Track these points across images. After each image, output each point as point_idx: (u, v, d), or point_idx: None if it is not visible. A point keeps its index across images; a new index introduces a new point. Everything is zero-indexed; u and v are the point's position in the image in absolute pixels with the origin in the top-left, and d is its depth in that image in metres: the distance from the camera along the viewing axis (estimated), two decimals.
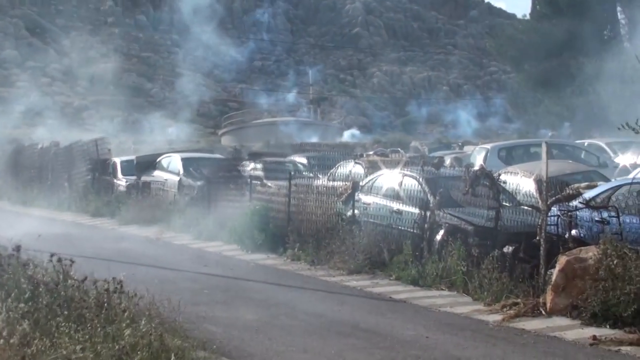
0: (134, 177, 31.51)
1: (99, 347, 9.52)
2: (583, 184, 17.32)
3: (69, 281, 11.92)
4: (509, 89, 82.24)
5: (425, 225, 17.62)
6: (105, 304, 10.99)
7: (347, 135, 75.49)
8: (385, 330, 13.10)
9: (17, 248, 13.39)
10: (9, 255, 13.31)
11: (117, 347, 9.59)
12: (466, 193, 17.46)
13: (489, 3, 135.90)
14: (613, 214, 14.97)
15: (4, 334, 9.84)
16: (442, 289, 16.04)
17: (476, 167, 19.32)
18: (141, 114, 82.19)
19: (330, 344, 12.14)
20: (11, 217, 28.08)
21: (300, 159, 31.95)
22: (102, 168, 33.85)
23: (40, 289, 11.57)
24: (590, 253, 13.74)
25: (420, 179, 18.92)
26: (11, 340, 9.66)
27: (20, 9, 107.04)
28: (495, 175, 17.23)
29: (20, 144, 43.26)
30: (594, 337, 12.30)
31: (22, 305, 10.86)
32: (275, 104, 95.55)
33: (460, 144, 45.67)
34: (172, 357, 9.77)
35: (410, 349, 11.92)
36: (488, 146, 30.31)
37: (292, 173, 24.45)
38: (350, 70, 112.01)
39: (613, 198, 15.68)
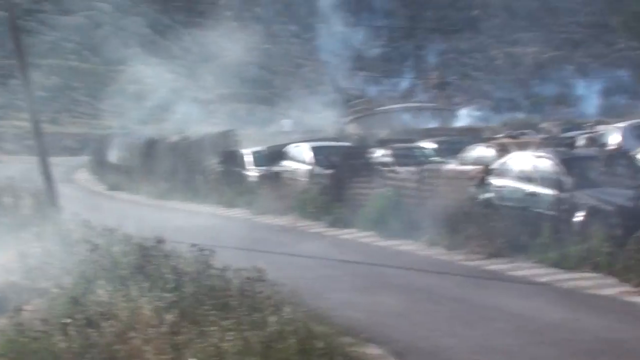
0: (264, 168, 31.72)
1: (246, 334, 9.59)
2: None
3: (211, 271, 12.10)
4: (636, 65, 79.83)
5: (563, 207, 17.22)
6: (248, 292, 11.08)
7: (471, 119, 74.51)
8: (531, 313, 12.84)
9: (159, 240, 13.70)
10: (152, 247, 13.63)
11: (263, 334, 9.63)
12: (603, 173, 17.01)
13: None
14: None
15: (154, 322, 10.03)
16: (585, 271, 15.62)
17: (611, 147, 18.85)
18: (266, 105, 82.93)
19: (476, 328, 11.97)
20: (149, 210, 28.70)
21: (429, 144, 31.69)
22: (232, 159, 34.17)
23: (184, 279, 11.76)
24: None
25: (556, 160, 18.50)
26: (161, 329, 9.83)
27: (141, 7, 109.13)
28: (632, 154, 16.76)
29: (152, 139, 44.09)
30: None
31: (168, 295, 11.06)
32: (395, 90, 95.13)
33: (592, 123, 44.49)
34: (319, 344, 9.76)
35: (559, 333, 11.64)
36: (622, 125, 29.40)
37: (422, 158, 24.24)
38: (471, 53, 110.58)
39: None
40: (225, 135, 35.29)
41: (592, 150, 20.63)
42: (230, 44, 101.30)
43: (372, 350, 10.99)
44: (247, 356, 9.21)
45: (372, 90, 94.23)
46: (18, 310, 11.11)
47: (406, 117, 69.09)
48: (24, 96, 27.32)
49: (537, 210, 18.12)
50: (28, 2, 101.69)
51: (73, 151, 68.71)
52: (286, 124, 57.83)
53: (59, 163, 52.00)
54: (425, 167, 22.42)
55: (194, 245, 12.57)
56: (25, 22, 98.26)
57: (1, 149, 68.13)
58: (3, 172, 36.49)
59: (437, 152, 29.23)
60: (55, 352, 9.78)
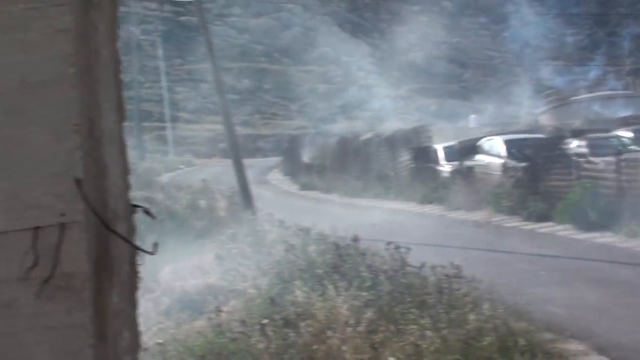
0: (457, 163, 31.38)
1: (445, 332, 9.38)
2: None
3: (407, 268, 11.98)
4: None
5: None
6: (446, 290, 10.89)
7: None
8: None
9: (355, 238, 13.66)
10: (347, 246, 13.61)
11: (462, 332, 9.41)
12: None
13: None
14: None
15: (351, 322, 9.96)
16: None
17: None
18: (456, 99, 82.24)
19: None
20: (342, 209, 28.83)
21: (626, 133, 30.48)
22: (424, 155, 33.98)
23: (381, 277, 11.67)
24: None
25: None
26: (358, 328, 9.75)
27: (329, 6, 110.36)
28: None
29: (343, 137, 44.39)
30: None
31: (364, 293, 10.99)
32: (586, 79, 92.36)
33: None
34: (520, 341, 9.44)
35: None
36: None
37: (619, 148, 23.30)
38: None
39: None
40: (417, 131, 35.09)
41: None
42: (419, 39, 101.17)
43: (574, 346, 10.57)
44: (445, 355, 8.99)
45: (564, 80, 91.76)
46: (216, 311, 11.26)
47: (598, 106, 66.95)
48: (216, 99, 27.99)
49: None
50: (218, 6, 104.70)
51: (265, 152, 70.23)
52: (472, 119, 57.05)
53: (251, 164, 53.36)
54: (623, 156, 21.49)
55: (389, 243, 12.44)
56: (216, 26, 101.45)
57: (195, 152, 70.26)
58: (197, 175, 37.53)
59: (635, 140, 28.07)
60: (254, 353, 9.82)
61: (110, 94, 3.53)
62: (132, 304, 3.43)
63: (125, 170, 3.54)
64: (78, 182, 3.21)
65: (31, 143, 3.29)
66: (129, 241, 3.38)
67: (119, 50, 3.65)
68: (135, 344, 3.40)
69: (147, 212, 3.68)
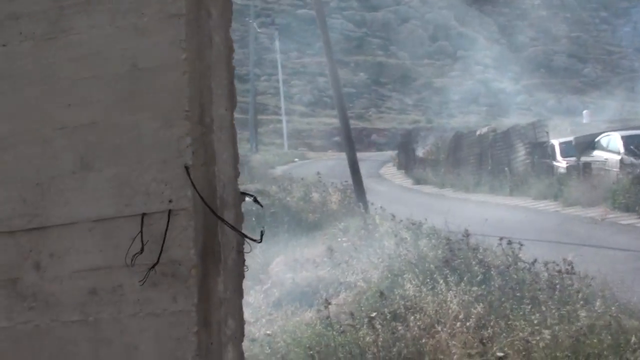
0: (573, 159, 30.79)
1: (555, 329, 9.18)
2: None
3: (519, 264, 11.82)
4: None
5: None
6: (557, 286, 10.68)
7: None
8: None
9: (466, 233, 13.52)
10: (459, 241, 13.48)
11: (573, 328, 9.19)
12: None
13: None
14: None
15: (461, 316, 9.86)
16: None
17: None
18: (575, 95, 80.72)
19: None
20: (454, 203, 28.56)
21: None
22: (540, 151, 33.43)
23: (492, 272, 11.53)
24: None
25: None
26: (467, 323, 9.64)
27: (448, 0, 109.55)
28: None
29: (459, 132, 44.03)
30: None
31: (475, 288, 10.88)
32: None
33: None
34: (631, 339, 9.16)
35: None
36: None
37: None
38: None
39: None
40: (534, 126, 34.52)
41: None
42: (538, 33, 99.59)
43: None
44: (555, 351, 8.80)
45: None
46: (325, 304, 11.25)
47: None
48: (332, 93, 28.05)
49: None
50: (336, 0, 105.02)
51: (379, 146, 70.14)
52: (585, 115, 55.89)
53: (365, 158, 53.37)
54: None
55: (501, 238, 12.26)
56: (333, 19, 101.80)
57: (309, 145, 70.63)
58: (311, 168, 37.68)
59: None
60: (362, 346, 9.79)
61: (222, 81, 3.51)
62: (238, 292, 3.41)
63: (234, 157, 3.52)
64: (187, 169, 3.20)
65: (141, 129, 3.30)
66: (236, 229, 3.36)
67: (231, 37, 3.62)
68: (239, 333, 3.38)
69: (255, 200, 3.66)
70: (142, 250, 3.16)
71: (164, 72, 3.30)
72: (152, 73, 3.31)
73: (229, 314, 3.31)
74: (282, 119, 71.04)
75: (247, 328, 10.81)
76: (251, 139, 63.25)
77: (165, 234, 3.16)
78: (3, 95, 3.47)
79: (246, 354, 9.67)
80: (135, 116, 3.30)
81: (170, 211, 3.18)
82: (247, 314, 12.64)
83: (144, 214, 3.21)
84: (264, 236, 3.39)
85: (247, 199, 3.57)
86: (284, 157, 58.87)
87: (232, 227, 3.33)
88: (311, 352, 9.61)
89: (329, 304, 11.53)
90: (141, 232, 3.18)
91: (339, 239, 17.53)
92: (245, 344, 10.03)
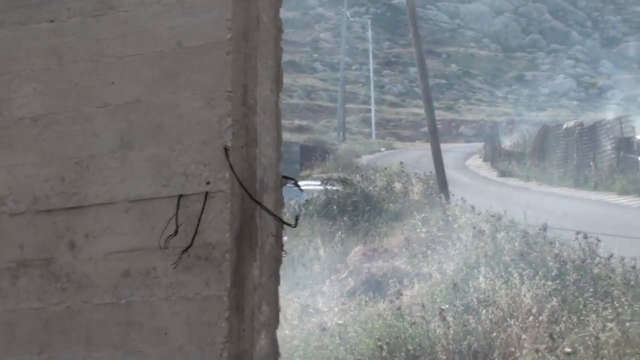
0: None
1: (626, 325, 8.93)
2: None
3: (596, 259, 11.56)
4: None
5: None
6: (632, 282, 10.40)
7: None
8: None
9: (544, 227, 13.27)
10: (536, 234, 13.25)
11: None
12: None
13: None
14: None
15: (534, 311, 9.70)
16: None
17: None
18: None
19: None
20: (538, 197, 28.17)
21: None
22: (626, 146, 32.75)
23: (567, 267, 11.30)
24: None
25: None
26: (540, 318, 9.47)
27: None
28: None
29: (546, 125, 43.42)
30: None
31: (549, 282, 10.69)
32: None
33: None
34: None
35: None
36: None
37: None
38: None
39: None
40: (620, 121, 33.81)
41: None
42: (632, 28, 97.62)
43: None
44: (625, 348, 8.55)
45: None
46: (397, 294, 11.15)
47: None
48: (419, 83, 27.88)
49: None
50: None
51: (468, 138, 69.54)
52: None
53: (452, 149, 52.92)
54: None
55: (578, 232, 12.00)
56: (428, 10, 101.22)
57: (397, 135, 70.40)
58: (397, 158, 37.52)
59: None
60: (432, 338, 9.67)
61: (268, 62, 3.43)
62: (274, 278, 3.33)
63: (277, 140, 3.44)
64: (226, 150, 3.13)
65: (183, 109, 3.24)
66: (273, 214, 3.28)
67: (280, 18, 3.54)
68: (274, 320, 3.30)
69: (295, 184, 3.58)
70: (176, 232, 3.10)
71: (207, 51, 3.24)
72: (196, 52, 3.26)
73: (264, 300, 3.24)
74: (371, 108, 70.82)
75: (319, 317, 10.75)
76: (339, 128, 63.24)
77: (201, 216, 3.10)
78: (48, 72, 3.46)
79: (316, 344, 9.58)
80: (177, 95, 3.25)
81: (207, 193, 3.12)
82: (321, 303, 12.62)
83: (180, 196, 3.15)
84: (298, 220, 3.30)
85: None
86: (370, 147, 58.73)
87: (269, 212, 3.25)
88: (380, 343, 9.51)
89: (401, 294, 11.43)
90: (177, 213, 3.12)
91: (418, 230, 17.40)
92: (316, 333, 9.97)
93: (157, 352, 3.14)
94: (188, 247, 3.07)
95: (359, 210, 21.48)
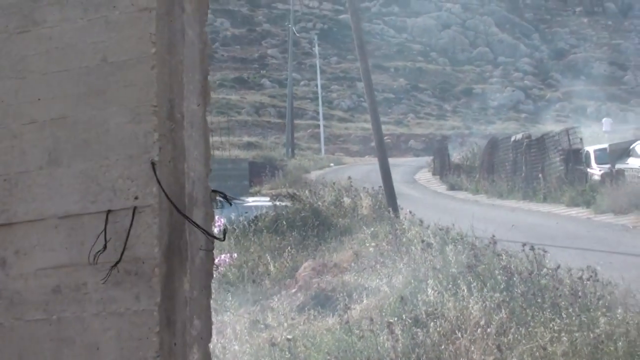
0: (607, 166, 30.46)
1: (574, 335, 9.02)
2: None
3: (543, 270, 11.67)
4: None
5: None
6: (580, 292, 10.51)
7: None
8: None
9: (493, 240, 13.37)
10: (484, 247, 13.33)
11: (592, 335, 9.03)
12: None
13: None
14: None
15: (482, 323, 9.74)
16: None
17: None
18: (615, 102, 79.98)
19: None
20: (486, 210, 28.38)
21: None
22: (574, 158, 33.11)
23: (515, 279, 11.38)
24: None
25: None
26: (488, 330, 9.52)
27: (489, 6, 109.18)
28: None
29: (494, 138, 43.78)
30: None
31: (497, 294, 10.76)
32: None
33: None
34: None
35: None
36: None
37: None
38: None
39: None
40: (567, 133, 34.19)
41: None
42: (579, 40, 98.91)
43: None
44: (573, 358, 8.63)
45: None
46: (345, 309, 11.17)
47: None
48: (366, 98, 27.97)
49: None
50: (377, 5, 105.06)
51: (417, 152, 69.92)
52: (605, 123, 54.89)
53: (402, 164, 53.17)
54: None
55: (524, 244, 12.12)
56: (375, 25, 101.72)
57: (347, 150, 70.57)
58: (346, 173, 37.61)
59: None
60: (381, 351, 9.68)
61: (195, 76, 3.44)
62: (206, 292, 3.33)
63: (206, 155, 3.44)
64: (153, 165, 3.13)
65: (109, 124, 3.24)
66: (201, 228, 3.28)
67: (206, 33, 3.55)
68: (206, 333, 3.30)
69: (225, 198, 3.57)
70: (104, 247, 3.09)
71: (133, 66, 3.24)
72: (122, 67, 3.25)
73: (195, 313, 3.24)
74: (320, 123, 70.96)
75: (269, 332, 10.72)
76: (287, 144, 63.28)
77: (129, 231, 3.09)
78: None
79: (266, 359, 9.55)
80: (104, 111, 3.24)
81: (135, 208, 3.12)
82: (270, 318, 12.60)
83: (109, 211, 3.15)
84: (226, 234, 3.29)
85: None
86: (319, 162, 58.80)
87: (198, 226, 3.25)
88: (329, 357, 9.51)
89: (349, 308, 11.44)
90: (105, 229, 3.11)
91: (367, 244, 17.41)
92: (266, 348, 9.94)
93: None
94: (117, 262, 3.06)
95: (308, 225, 21.45)
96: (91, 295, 3.14)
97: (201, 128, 3.42)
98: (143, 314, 3.06)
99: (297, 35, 78.95)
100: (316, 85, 76.98)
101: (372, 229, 19.25)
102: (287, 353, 10.11)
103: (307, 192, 28.08)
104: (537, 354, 8.78)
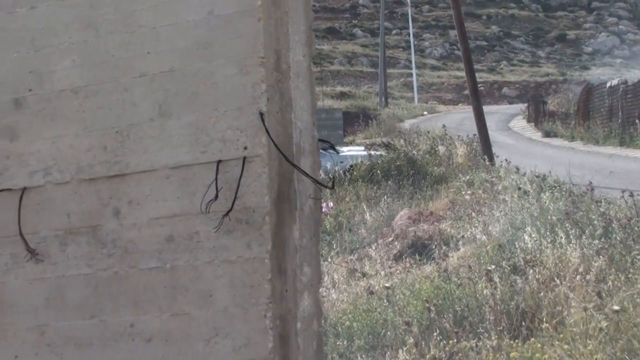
0: None
1: None
2: None
3: None
4: None
5: None
6: None
7: None
8: None
9: (590, 186, 13.20)
10: (582, 193, 13.17)
11: None
12: None
13: None
14: None
15: (580, 270, 9.65)
16: None
17: None
18: None
19: None
20: (582, 156, 27.94)
21: None
22: None
23: (614, 225, 11.21)
24: None
25: None
26: (587, 277, 9.43)
27: None
28: None
29: (590, 84, 42.93)
30: None
31: (595, 241, 10.62)
32: None
33: None
34: None
35: None
36: None
37: None
38: None
39: None
40: None
41: None
42: None
43: None
44: None
45: None
46: (444, 257, 11.19)
47: None
48: (461, 46, 27.67)
49: None
50: None
51: (511, 99, 69.04)
52: None
53: (495, 111, 52.58)
54: None
55: (624, 191, 11.92)
56: None
57: (440, 99, 70.08)
58: (440, 122, 37.37)
59: None
60: (479, 299, 9.67)
61: (299, 27, 3.47)
62: (315, 239, 3.39)
63: (312, 104, 3.49)
64: (262, 115, 3.18)
65: (217, 77, 3.30)
66: (310, 176, 3.33)
67: None
68: (316, 280, 3.36)
69: (332, 147, 3.62)
70: (216, 197, 3.17)
71: (239, 19, 3.28)
72: (228, 20, 3.30)
73: (305, 261, 3.30)
74: (413, 72, 70.48)
75: (367, 281, 10.78)
76: (380, 93, 63.04)
77: (240, 180, 3.16)
78: (86, 44, 3.52)
79: (365, 306, 9.64)
80: (211, 63, 3.30)
81: (244, 158, 3.18)
82: (368, 267, 12.68)
83: (219, 161, 3.22)
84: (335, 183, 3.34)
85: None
86: (413, 111, 58.46)
87: (306, 175, 3.30)
88: (428, 305, 9.54)
89: (447, 256, 11.45)
90: (216, 179, 3.18)
91: (463, 192, 17.34)
92: (364, 297, 10.01)
93: (203, 314, 3.22)
94: (229, 211, 3.14)
95: (403, 174, 21.43)
96: (203, 243, 3.23)
97: (307, 78, 3.46)
98: (255, 261, 3.14)
99: None
100: (408, 34, 76.38)
101: (468, 177, 19.14)
102: (385, 301, 10.18)
103: (401, 141, 28.04)
104: (638, 300, 8.67)
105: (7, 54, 3.62)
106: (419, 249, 13.59)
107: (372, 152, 24.55)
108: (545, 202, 13.38)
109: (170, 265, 3.29)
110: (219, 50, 3.29)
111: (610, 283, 9.24)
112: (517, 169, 17.37)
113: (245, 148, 3.20)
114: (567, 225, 11.58)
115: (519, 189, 14.77)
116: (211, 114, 3.27)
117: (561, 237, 11.05)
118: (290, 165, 3.23)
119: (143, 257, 3.33)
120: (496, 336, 8.58)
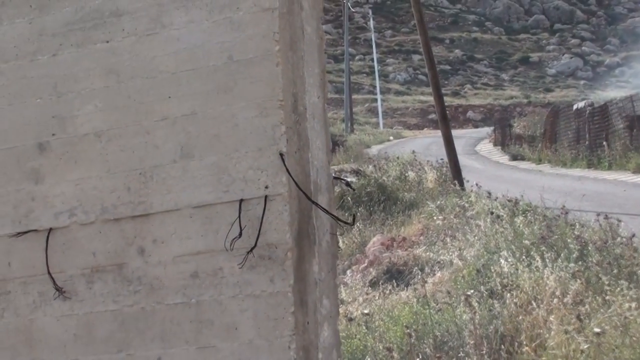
0: None
1: None
2: None
3: (617, 239, 11.67)
4: None
5: None
6: None
7: None
8: None
9: (564, 210, 13.42)
10: (555, 217, 13.38)
11: None
12: None
13: None
14: None
15: (557, 293, 9.82)
16: None
17: None
18: None
19: None
20: (551, 179, 28.23)
21: None
22: (639, 124, 32.78)
23: (589, 248, 11.42)
24: None
25: None
26: (565, 299, 9.61)
27: None
28: None
29: (556, 106, 43.43)
30: None
31: (571, 264, 10.80)
32: None
33: None
34: None
35: None
36: None
37: None
38: None
39: None
40: (632, 99, 33.82)
41: None
42: (637, 3, 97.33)
43: None
44: None
45: None
46: (422, 282, 11.35)
47: None
48: (427, 71, 27.95)
49: None
50: None
51: (476, 123, 69.60)
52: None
53: (461, 135, 52.99)
54: None
55: (599, 214, 12.15)
56: None
57: (405, 124, 70.51)
58: (407, 146, 37.62)
59: None
60: (459, 324, 9.83)
61: (314, 70, 3.65)
62: (332, 273, 3.56)
63: (327, 144, 3.67)
64: (282, 156, 3.35)
65: (238, 119, 3.47)
66: (330, 213, 3.51)
67: (322, 27, 3.76)
68: (334, 312, 3.53)
69: (347, 184, 3.79)
70: (240, 234, 3.32)
71: (258, 64, 3.45)
72: (247, 65, 3.47)
73: (324, 294, 3.47)
74: (378, 97, 70.91)
75: (345, 307, 10.91)
76: (346, 119, 63.33)
77: (262, 218, 3.32)
78: (108, 89, 3.67)
79: (344, 333, 9.78)
80: (231, 106, 3.47)
81: (266, 197, 3.34)
82: (345, 294, 12.79)
83: (241, 200, 3.38)
84: (356, 219, 3.52)
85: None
86: (379, 136, 58.81)
87: (326, 211, 3.47)
88: (408, 330, 9.67)
89: (425, 282, 11.61)
90: (239, 217, 3.34)
91: (435, 217, 17.52)
92: (344, 323, 10.13)
93: (229, 347, 3.37)
94: (253, 248, 3.30)
95: (374, 200, 21.60)
96: (227, 279, 3.39)
97: (321, 119, 3.64)
98: (278, 295, 3.29)
99: (352, 9, 78.84)
100: (371, 60, 76.89)
101: (439, 202, 19.32)
102: (364, 327, 10.30)
103: (371, 167, 28.20)
104: (617, 322, 8.86)
105: (31, 100, 3.77)
106: (395, 275, 13.74)
107: (342, 179, 24.69)
108: (519, 226, 13.58)
109: (195, 301, 3.44)
110: (239, 94, 3.46)
111: (587, 306, 9.42)
112: (489, 193, 17.58)
113: (267, 187, 3.36)
114: (542, 248, 11.78)
115: (492, 213, 14.96)
116: (233, 154, 3.43)
117: (537, 261, 11.23)
118: (309, 202, 3.40)
119: (169, 293, 3.48)
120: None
